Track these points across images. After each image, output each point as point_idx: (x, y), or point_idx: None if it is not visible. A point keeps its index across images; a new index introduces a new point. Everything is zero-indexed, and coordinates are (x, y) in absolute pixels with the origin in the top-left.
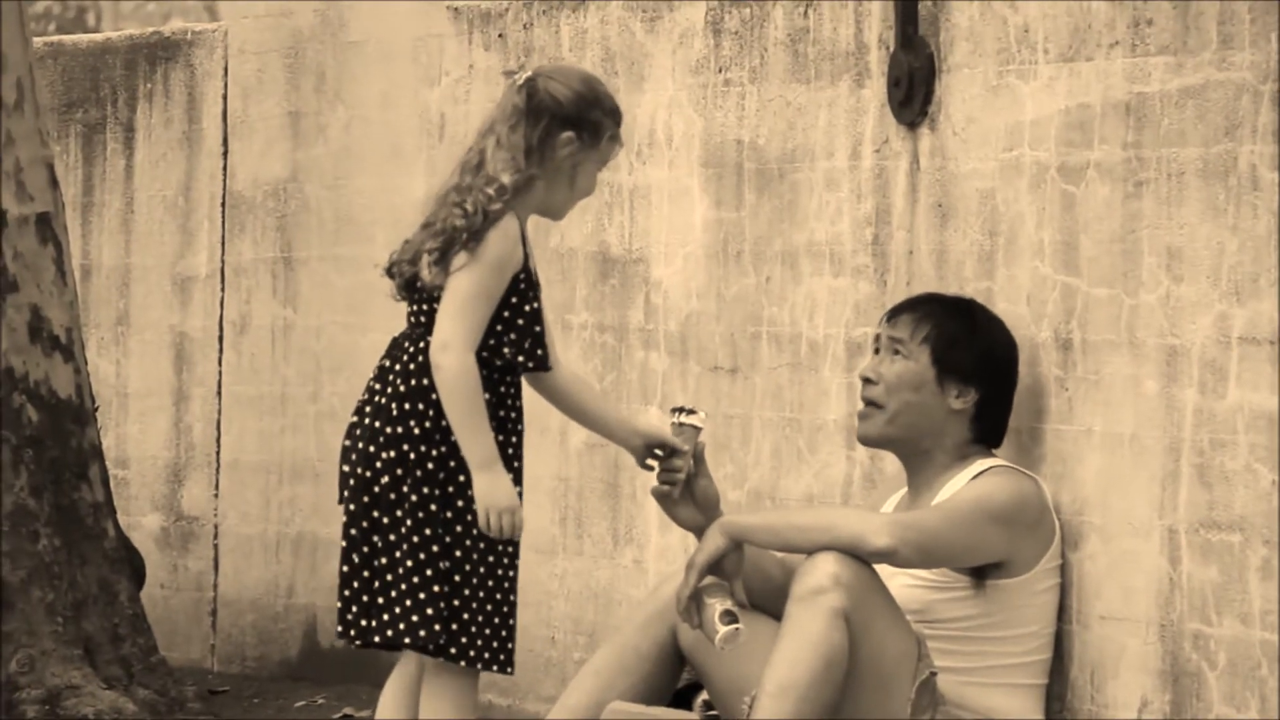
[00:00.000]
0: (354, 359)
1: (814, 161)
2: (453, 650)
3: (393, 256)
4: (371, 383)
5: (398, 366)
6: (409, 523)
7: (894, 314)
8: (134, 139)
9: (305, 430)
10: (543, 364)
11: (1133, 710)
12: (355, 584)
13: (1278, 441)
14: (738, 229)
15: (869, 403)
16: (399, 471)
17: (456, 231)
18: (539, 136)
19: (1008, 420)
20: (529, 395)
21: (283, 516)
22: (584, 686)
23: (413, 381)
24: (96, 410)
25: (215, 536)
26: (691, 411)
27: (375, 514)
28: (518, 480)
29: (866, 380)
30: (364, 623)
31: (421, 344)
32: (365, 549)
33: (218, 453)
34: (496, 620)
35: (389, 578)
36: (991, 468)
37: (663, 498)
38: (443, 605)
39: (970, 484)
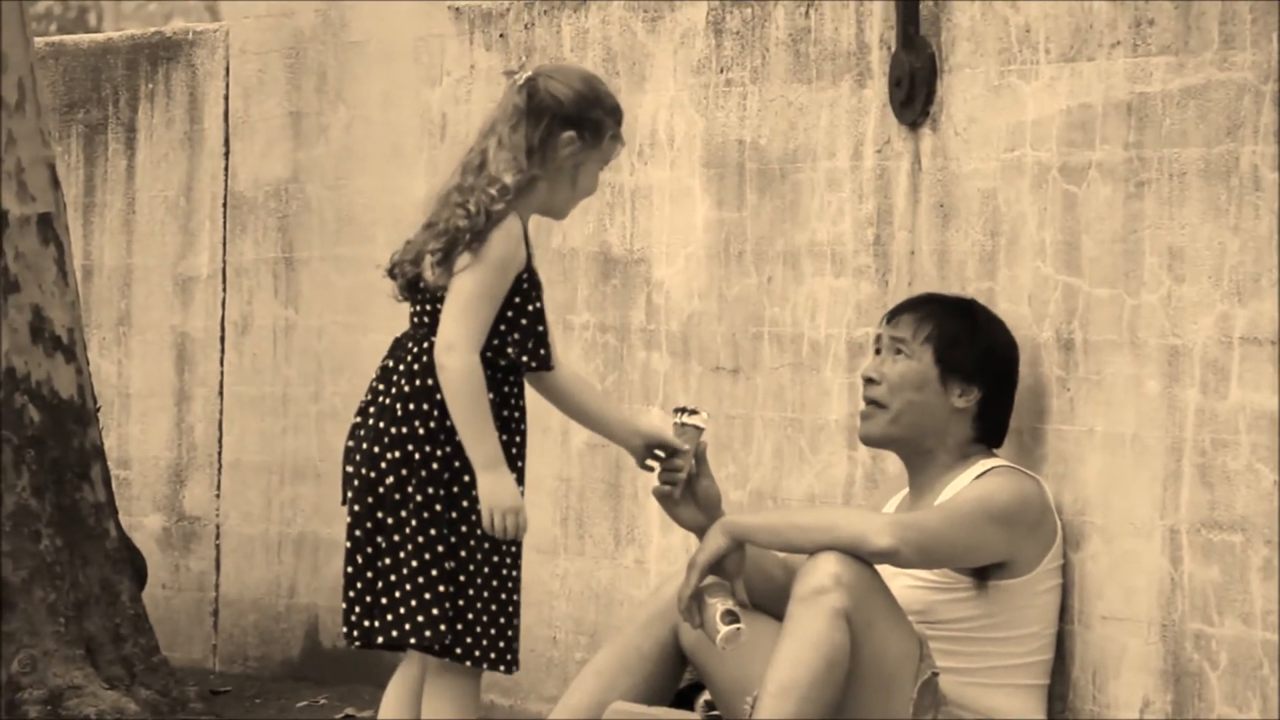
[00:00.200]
0: (355, 359)
1: (815, 162)
2: (458, 650)
3: (394, 257)
4: (374, 383)
5: (401, 367)
6: (414, 523)
7: (895, 314)
8: (135, 139)
9: (307, 430)
10: (546, 363)
11: (1134, 710)
12: (359, 585)
13: (1279, 442)
14: (739, 229)
15: (872, 402)
16: (404, 472)
17: (460, 232)
18: (540, 136)
19: (1009, 420)
20: (531, 396)
21: (284, 517)
22: (586, 686)
23: (417, 382)
24: (98, 410)
25: (217, 537)
26: (694, 412)
27: (379, 514)
28: (521, 480)
29: (869, 380)
30: (366, 623)
31: (425, 344)
32: (369, 549)
33: (219, 453)
34: (501, 620)
35: (393, 578)
36: (993, 468)
37: (664, 498)
38: (448, 605)
39: (972, 484)
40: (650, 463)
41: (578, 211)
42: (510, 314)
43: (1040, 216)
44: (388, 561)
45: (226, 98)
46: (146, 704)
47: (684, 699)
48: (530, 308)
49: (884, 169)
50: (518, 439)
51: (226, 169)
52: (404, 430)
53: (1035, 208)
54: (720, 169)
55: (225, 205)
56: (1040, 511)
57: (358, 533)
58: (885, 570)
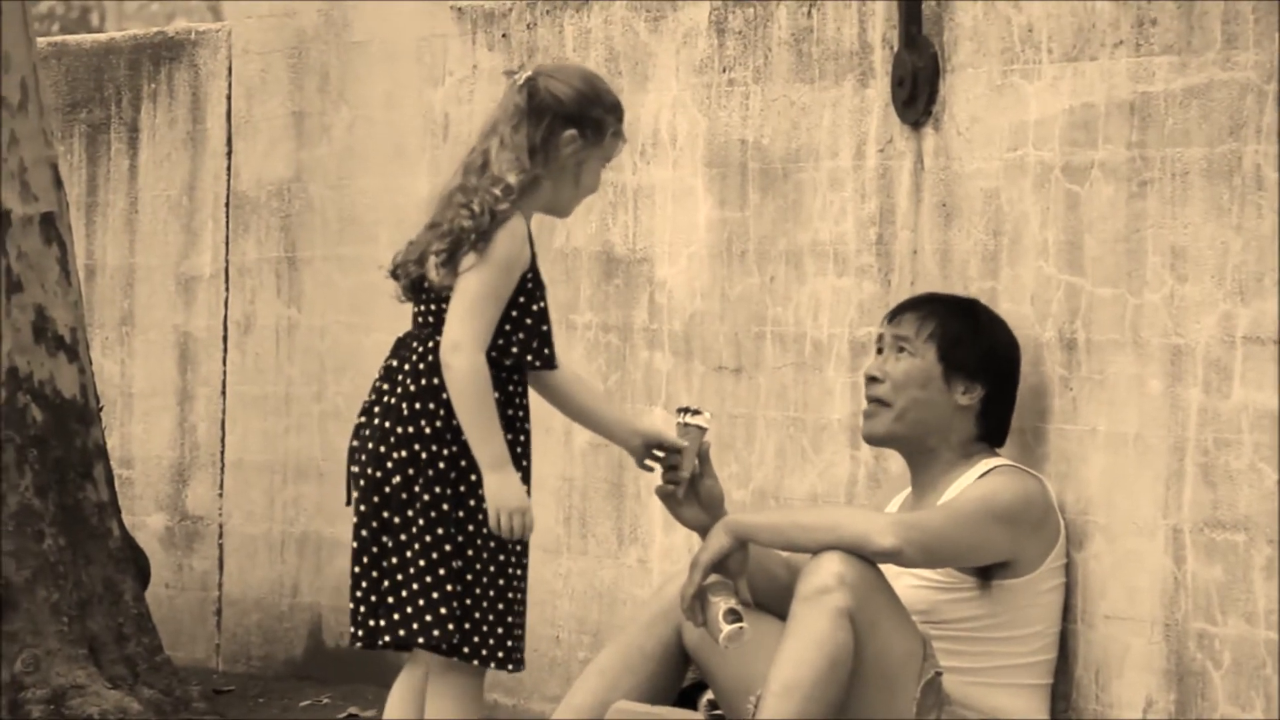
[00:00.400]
0: (358, 359)
1: (818, 161)
2: (465, 650)
3: (397, 258)
4: (378, 383)
5: (406, 366)
6: (421, 522)
7: (897, 313)
8: (138, 139)
9: (309, 430)
10: (550, 363)
11: (1137, 710)
12: (365, 584)
13: None
14: (742, 229)
15: (875, 401)
16: (410, 471)
17: (464, 233)
18: (542, 136)
19: (1011, 419)
20: (533, 396)
21: (287, 516)
22: (589, 686)
23: (423, 381)
24: (101, 410)
25: (220, 536)
26: (696, 411)
27: (385, 514)
28: (526, 478)
29: (872, 379)
30: (372, 623)
31: (430, 344)
32: (374, 549)
33: (222, 452)
34: (509, 619)
35: (399, 577)
36: (996, 467)
37: (667, 497)
38: (455, 604)
39: (975, 483)
40: (650, 463)
41: (580, 211)
42: (515, 314)
43: (1043, 216)
44: (394, 561)
45: (229, 97)
46: (149, 703)
47: (687, 698)
48: (534, 307)
49: (886, 168)
50: (522, 438)
51: (229, 169)
52: (410, 430)
53: (1038, 207)
54: (723, 168)
55: (228, 205)
56: (1043, 511)
57: (364, 533)
58: (889, 570)
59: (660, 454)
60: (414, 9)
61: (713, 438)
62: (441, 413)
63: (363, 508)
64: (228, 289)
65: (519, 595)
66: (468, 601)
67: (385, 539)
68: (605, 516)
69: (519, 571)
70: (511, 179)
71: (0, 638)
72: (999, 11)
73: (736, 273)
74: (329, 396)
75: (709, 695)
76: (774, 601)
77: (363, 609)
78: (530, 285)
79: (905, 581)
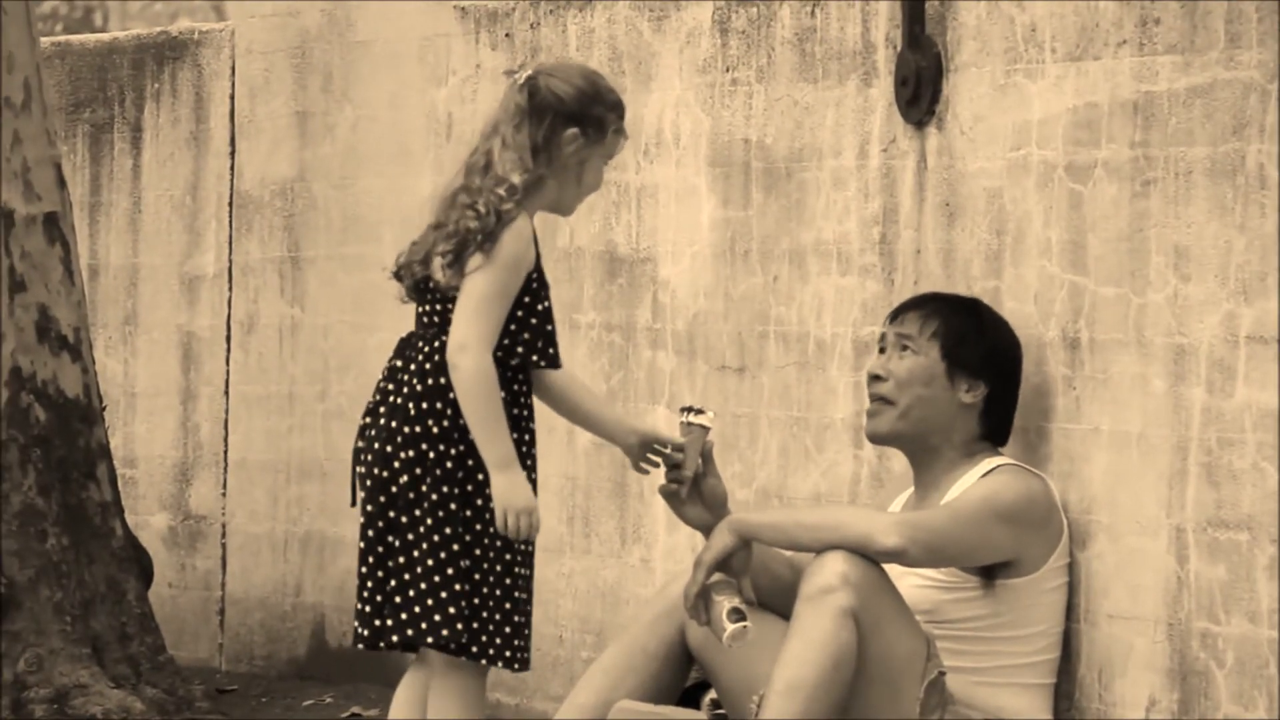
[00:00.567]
0: (361, 358)
1: (821, 161)
2: (474, 649)
3: (400, 259)
4: (382, 384)
5: (412, 366)
6: (429, 522)
7: (899, 312)
8: (141, 139)
9: (313, 429)
10: (554, 362)
11: (1140, 709)
12: (371, 584)
13: None
14: (745, 228)
15: (879, 399)
16: (418, 471)
17: (470, 234)
18: (544, 135)
19: (1013, 417)
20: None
21: (290, 515)
22: (592, 685)
23: (429, 381)
24: (104, 410)
25: (223, 535)
26: (700, 411)
27: (391, 514)
28: (531, 477)
29: (875, 377)
30: (377, 622)
31: (436, 344)
32: (381, 549)
33: (225, 452)
34: (516, 618)
35: (407, 577)
36: (999, 466)
37: (670, 496)
38: (463, 604)
39: (978, 483)
40: (645, 466)
41: (584, 211)
42: (520, 313)
43: (1046, 215)
44: (401, 561)
45: (232, 97)
46: (152, 703)
47: (690, 698)
48: (539, 307)
49: (890, 168)
50: (526, 436)
51: (232, 168)
52: (418, 429)
53: (1041, 206)
54: (726, 168)
55: (231, 204)
56: (1047, 510)
57: (370, 533)
58: (893, 570)
59: (656, 456)
60: (417, 9)
61: (716, 437)
62: (449, 412)
63: (369, 508)
64: (231, 288)
65: (526, 594)
66: (475, 601)
67: (392, 539)
68: (608, 516)
69: (525, 571)
70: (516, 179)
71: (3, 637)
72: (1002, 11)
73: (740, 272)
74: (332, 396)
75: (712, 695)
76: (777, 601)
77: (368, 609)
78: (535, 285)
79: (909, 581)
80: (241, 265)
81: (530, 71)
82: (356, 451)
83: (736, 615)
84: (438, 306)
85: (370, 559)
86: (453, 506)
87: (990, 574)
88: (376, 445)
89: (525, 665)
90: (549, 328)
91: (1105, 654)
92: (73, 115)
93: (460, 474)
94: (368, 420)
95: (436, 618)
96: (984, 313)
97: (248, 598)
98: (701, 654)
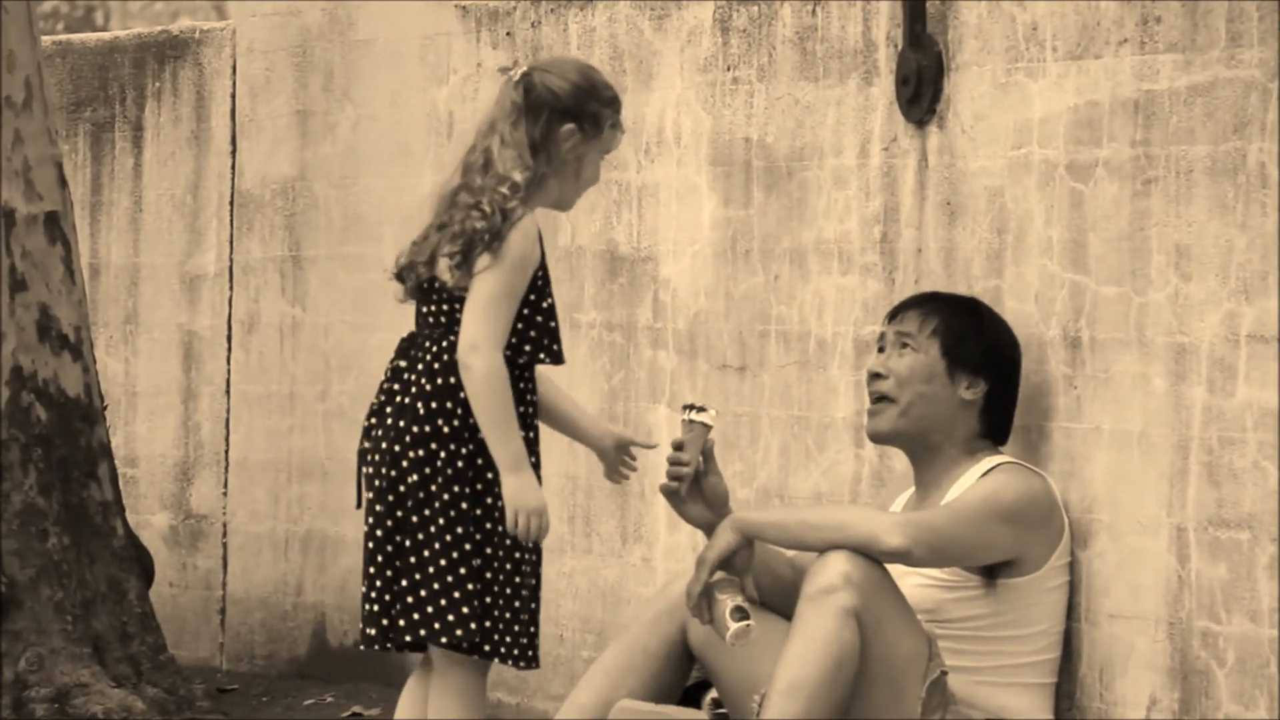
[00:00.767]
0: (362, 357)
1: (822, 159)
2: (486, 648)
3: (401, 259)
4: (386, 384)
5: (420, 366)
6: (440, 521)
7: (898, 311)
8: (142, 138)
9: (314, 429)
10: (558, 358)
11: (1141, 708)
12: (379, 584)
13: None
14: (746, 227)
15: (880, 398)
16: (427, 470)
17: (478, 234)
18: (541, 131)
19: (1013, 415)
20: None
21: (291, 515)
22: (593, 685)
23: (439, 381)
24: (105, 409)
25: (224, 535)
26: (701, 409)
27: (400, 514)
28: (536, 475)
29: (875, 375)
30: (385, 622)
31: (444, 344)
32: (389, 548)
33: (226, 451)
34: (525, 616)
35: (418, 577)
36: (1000, 464)
37: (671, 495)
38: (475, 603)
39: (979, 482)
40: (619, 473)
41: (585, 210)
42: (525, 311)
43: (1047, 214)
44: (412, 561)
45: (233, 96)
46: (153, 702)
47: (691, 697)
48: (544, 304)
49: (891, 167)
50: (531, 434)
51: (233, 167)
52: (427, 429)
53: (1042, 205)
54: (727, 167)
55: (232, 204)
56: (1048, 509)
57: (379, 533)
58: (895, 569)
59: (632, 462)
60: (418, 8)
61: (717, 436)
62: (459, 412)
63: (378, 508)
64: (232, 288)
65: (534, 592)
66: (487, 600)
67: (401, 539)
68: (609, 515)
69: (534, 569)
70: (518, 176)
71: (4, 636)
72: (1003, 10)
73: (741, 271)
74: (333, 395)
75: (713, 694)
76: (778, 600)
77: (376, 608)
78: (540, 282)
79: (911, 580)
80: (242, 264)
81: (525, 68)
82: (362, 452)
83: (740, 614)
84: (444, 307)
85: (378, 559)
86: (464, 506)
87: (992, 573)
88: (384, 445)
89: (535, 663)
90: (553, 324)
91: (1106, 653)
92: (74, 114)
93: (470, 473)
94: (373, 421)
95: (450, 617)
96: (983, 311)
97: (249, 597)
98: (703, 653)
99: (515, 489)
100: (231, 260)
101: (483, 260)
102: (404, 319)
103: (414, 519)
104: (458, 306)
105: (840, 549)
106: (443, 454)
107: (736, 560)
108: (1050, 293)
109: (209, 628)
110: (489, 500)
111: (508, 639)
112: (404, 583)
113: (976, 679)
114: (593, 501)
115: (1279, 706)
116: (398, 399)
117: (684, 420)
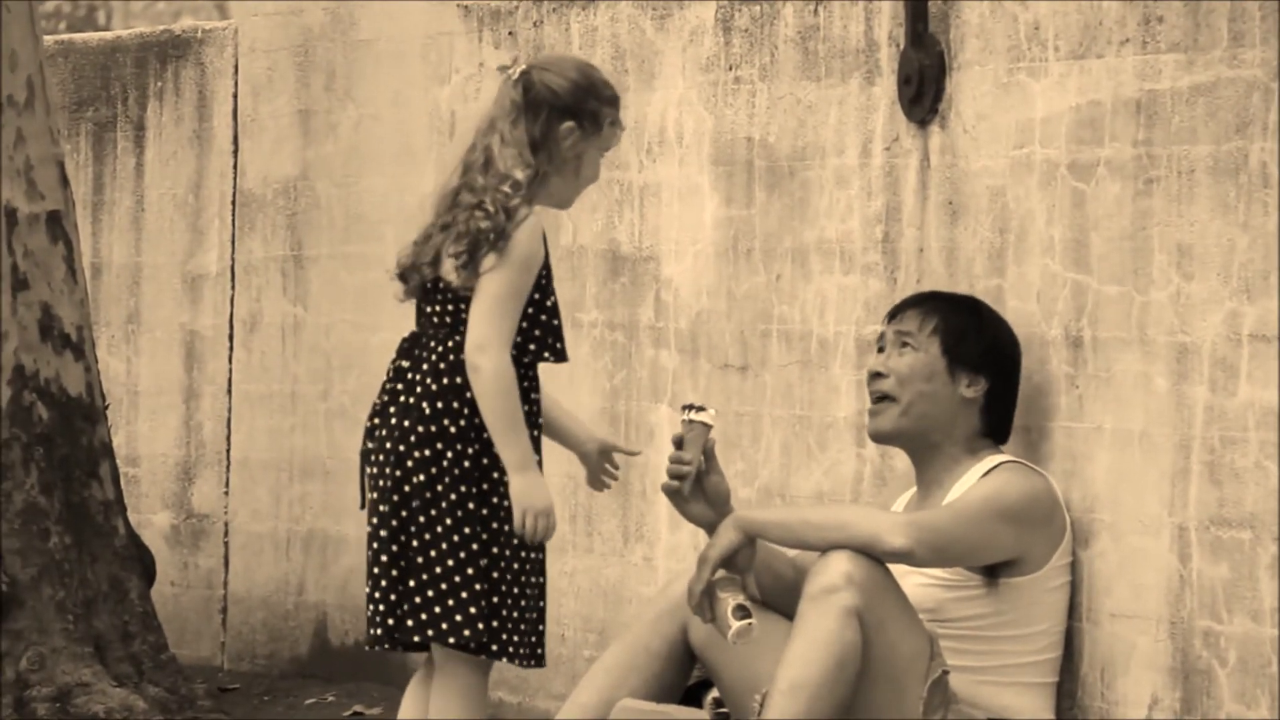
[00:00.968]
0: (364, 357)
1: (824, 159)
2: (494, 647)
3: (402, 260)
4: (389, 384)
5: (424, 366)
6: (447, 521)
7: (898, 310)
8: (144, 137)
9: (315, 428)
10: (562, 355)
11: (1143, 708)
12: (384, 584)
13: None
14: (748, 226)
15: (882, 397)
16: (433, 470)
17: (483, 233)
18: (541, 129)
19: (1014, 414)
20: None
21: (293, 514)
22: (594, 684)
23: (444, 380)
24: (107, 408)
25: (225, 534)
26: (701, 408)
27: (405, 513)
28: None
29: (876, 375)
30: (390, 621)
31: (450, 343)
32: (394, 548)
33: (228, 450)
34: (531, 615)
35: (425, 577)
36: (1002, 464)
37: (673, 494)
38: (483, 603)
39: (980, 481)
40: (602, 480)
41: (586, 209)
42: (530, 309)
43: (1049, 214)
44: (419, 560)
45: (235, 96)
46: (155, 701)
47: (692, 696)
48: (548, 302)
49: (892, 166)
50: (535, 433)
51: (235, 167)
52: (433, 429)
53: (1044, 205)
54: (729, 166)
55: (234, 203)
56: (1050, 508)
57: (384, 533)
58: (897, 569)
59: (615, 469)
60: (420, 7)
61: (718, 435)
62: (465, 411)
63: (383, 508)
64: (234, 287)
65: (540, 591)
66: (494, 599)
67: (407, 538)
68: (611, 514)
69: (539, 568)
70: (519, 175)
71: (5, 635)
72: (1005, 9)
73: (742, 271)
74: (335, 395)
75: (714, 693)
76: (779, 600)
77: (381, 608)
78: (544, 280)
79: (912, 580)
80: (244, 264)
81: (524, 66)
82: (365, 453)
83: (741, 612)
84: (449, 306)
85: (383, 559)
86: (470, 506)
87: (993, 573)
88: (389, 445)
89: (541, 661)
90: (556, 322)
91: (1108, 653)
92: (76, 114)
93: (477, 473)
94: (376, 421)
95: (457, 617)
96: (982, 309)
97: (250, 596)
98: (704, 653)
99: (523, 489)
100: (233, 259)
101: (488, 260)
102: (406, 319)
103: (420, 519)
104: (463, 306)
105: (842, 548)
106: (449, 454)
107: (738, 559)
108: (1052, 292)
109: (210, 627)
110: (495, 500)
111: (515, 638)
112: (410, 583)
113: (978, 678)
114: (594, 501)
115: None
116: (401, 399)
117: (684, 419)
